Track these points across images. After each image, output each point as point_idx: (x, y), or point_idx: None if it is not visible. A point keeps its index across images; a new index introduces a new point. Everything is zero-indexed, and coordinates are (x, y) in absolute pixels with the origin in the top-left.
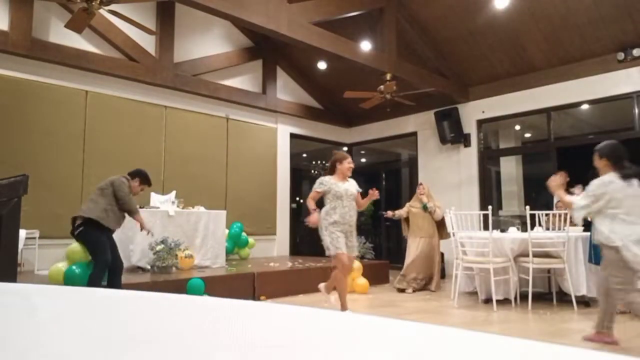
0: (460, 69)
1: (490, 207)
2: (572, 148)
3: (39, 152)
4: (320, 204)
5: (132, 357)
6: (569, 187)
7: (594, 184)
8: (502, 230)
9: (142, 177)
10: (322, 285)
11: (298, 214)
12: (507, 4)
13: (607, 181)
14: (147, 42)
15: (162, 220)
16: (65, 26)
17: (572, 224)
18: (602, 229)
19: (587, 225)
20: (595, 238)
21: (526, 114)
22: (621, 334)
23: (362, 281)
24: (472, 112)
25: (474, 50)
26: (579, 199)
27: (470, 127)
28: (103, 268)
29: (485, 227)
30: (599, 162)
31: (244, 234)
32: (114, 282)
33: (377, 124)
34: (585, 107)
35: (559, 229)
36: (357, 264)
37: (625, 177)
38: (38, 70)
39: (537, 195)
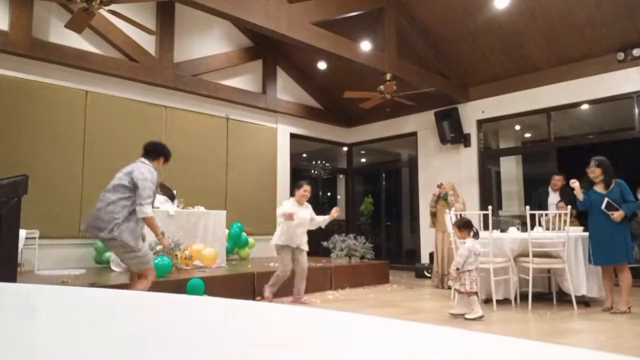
0: (460, 69)
1: (490, 207)
2: (572, 148)
3: (39, 152)
4: None
5: (132, 357)
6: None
7: None
8: (502, 230)
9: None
10: None
11: None
12: (507, 4)
13: None
14: (147, 42)
15: (162, 220)
16: (65, 26)
17: (572, 224)
18: None
19: (587, 226)
20: None
21: (526, 114)
22: (621, 334)
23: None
24: (472, 112)
25: (474, 50)
26: None
27: (470, 127)
28: None
29: (485, 227)
30: None
31: (244, 234)
32: None
33: (377, 124)
34: (585, 107)
35: (559, 229)
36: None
37: None
38: (38, 70)
39: (537, 195)
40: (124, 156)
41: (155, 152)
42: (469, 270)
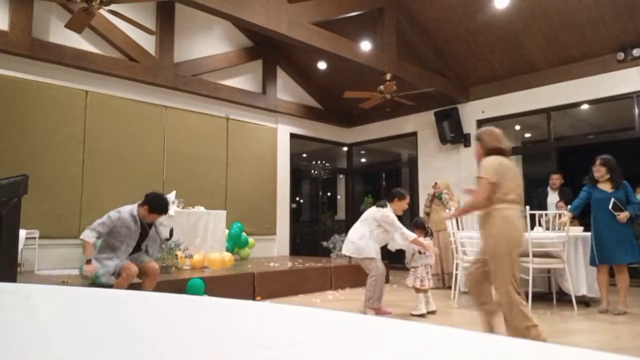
0: (460, 69)
1: None
2: (572, 148)
3: (39, 152)
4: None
5: (132, 357)
6: (563, 187)
7: None
8: None
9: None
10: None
11: (298, 214)
12: (507, 4)
13: None
14: (147, 42)
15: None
16: (65, 26)
17: (572, 224)
18: None
19: (587, 226)
20: None
21: (526, 114)
22: (621, 334)
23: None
24: (472, 112)
25: (474, 50)
26: None
27: (470, 127)
28: None
29: None
30: None
31: (244, 234)
32: None
33: (377, 124)
34: (585, 107)
35: (559, 229)
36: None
37: None
38: (38, 70)
39: (536, 196)
40: (124, 156)
41: (145, 198)
42: (414, 267)
